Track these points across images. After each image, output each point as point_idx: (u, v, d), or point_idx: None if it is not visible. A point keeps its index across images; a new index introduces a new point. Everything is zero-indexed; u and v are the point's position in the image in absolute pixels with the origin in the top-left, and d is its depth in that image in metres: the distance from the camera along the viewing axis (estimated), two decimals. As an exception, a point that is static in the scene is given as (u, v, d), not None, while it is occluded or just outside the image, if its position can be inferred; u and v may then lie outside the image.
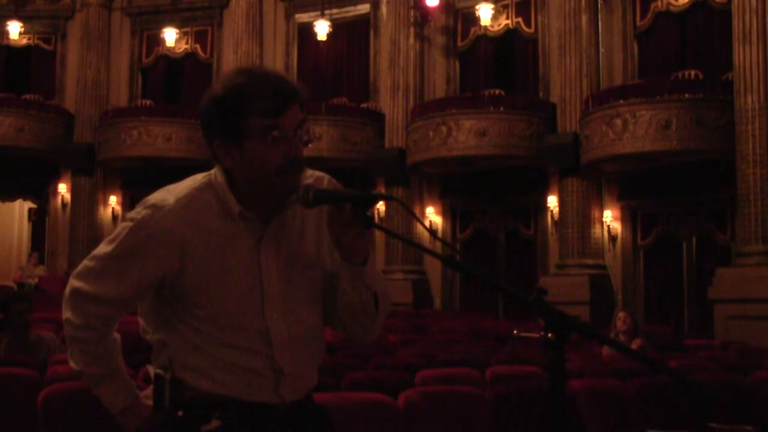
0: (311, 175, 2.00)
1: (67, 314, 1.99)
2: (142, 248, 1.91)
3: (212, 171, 1.99)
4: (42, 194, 19.37)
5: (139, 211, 1.93)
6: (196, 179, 1.99)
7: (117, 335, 2.06)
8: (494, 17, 15.91)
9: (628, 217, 14.63)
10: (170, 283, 1.94)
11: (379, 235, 19.04)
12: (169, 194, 1.95)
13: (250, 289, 1.93)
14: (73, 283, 1.98)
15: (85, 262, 1.98)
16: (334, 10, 17.55)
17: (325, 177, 2.02)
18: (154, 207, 1.92)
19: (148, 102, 18.88)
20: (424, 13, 16.31)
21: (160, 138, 17.21)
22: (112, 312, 1.99)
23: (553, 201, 15.04)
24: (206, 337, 1.95)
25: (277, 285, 1.95)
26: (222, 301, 1.92)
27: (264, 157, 1.87)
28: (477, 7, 15.71)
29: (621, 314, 8.00)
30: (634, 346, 7.55)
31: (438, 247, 13.43)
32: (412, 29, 16.34)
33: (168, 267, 1.91)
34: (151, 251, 1.90)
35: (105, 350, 2.02)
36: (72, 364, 2.03)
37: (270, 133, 1.86)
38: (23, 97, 18.90)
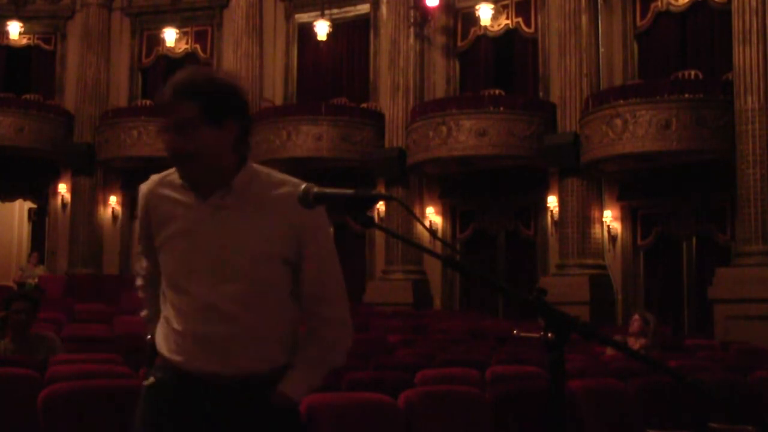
0: (287, 182, 2.19)
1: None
2: (139, 211, 2.30)
3: None
4: (42, 194, 19.35)
5: None
6: None
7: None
8: (494, 17, 15.90)
9: (628, 217, 14.63)
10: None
11: (379, 235, 19.01)
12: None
13: (186, 255, 2.17)
14: None
15: None
16: (334, 10, 17.54)
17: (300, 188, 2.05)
18: (148, 179, 2.30)
19: (148, 102, 18.87)
20: (424, 13, 16.30)
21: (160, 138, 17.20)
22: (148, 266, 2.36)
23: (553, 201, 15.04)
24: (165, 299, 2.23)
25: (208, 256, 2.15)
26: (168, 263, 2.21)
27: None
28: (477, 7, 15.71)
29: (635, 316, 8.05)
30: (637, 345, 7.56)
31: (438, 247, 13.43)
32: (412, 29, 16.33)
33: (147, 227, 2.27)
34: (140, 213, 2.29)
35: (150, 297, 2.36)
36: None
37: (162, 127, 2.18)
38: (23, 97, 18.89)
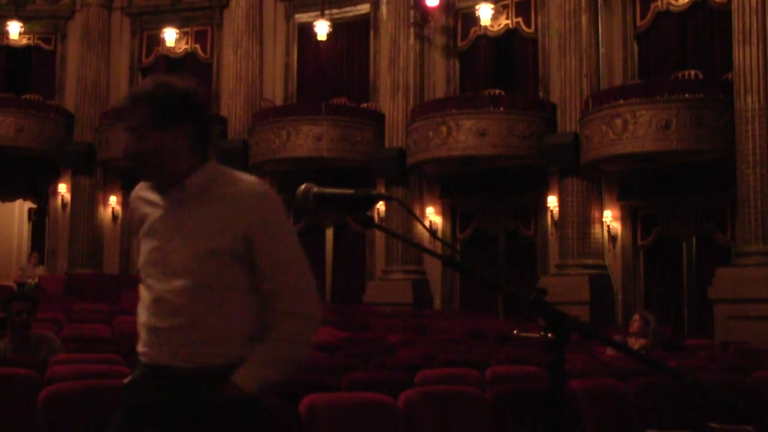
0: (244, 181, 2.29)
1: None
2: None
3: None
4: (42, 194, 19.36)
5: None
6: None
7: None
8: (494, 17, 15.90)
9: (628, 217, 14.63)
10: None
11: (379, 235, 18.93)
12: None
13: (147, 252, 2.33)
14: None
15: None
16: (334, 10, 17.55)
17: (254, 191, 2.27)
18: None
19: (148, 102, 18.84)
20: (424, 13, 16.30)
21: (161, 138, 17.14)
22: None
23: (553, 201, 15.04)
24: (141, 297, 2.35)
25: (161, 252, 2.29)
26: (140, 259, 2.37)
27: None
28: (477, 7, 15.70)
29: (636, 316, 8.06)
30: (636, 345, 7.57)
31: (438, 247, 13.43)
32: (412, 29, 16.33)
33: (135, 229, 2.42)
34: (129, 217, 2.52)
35: None
36: None
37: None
38: (23, 97, 18.90)
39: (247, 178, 2.31)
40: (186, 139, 2.28)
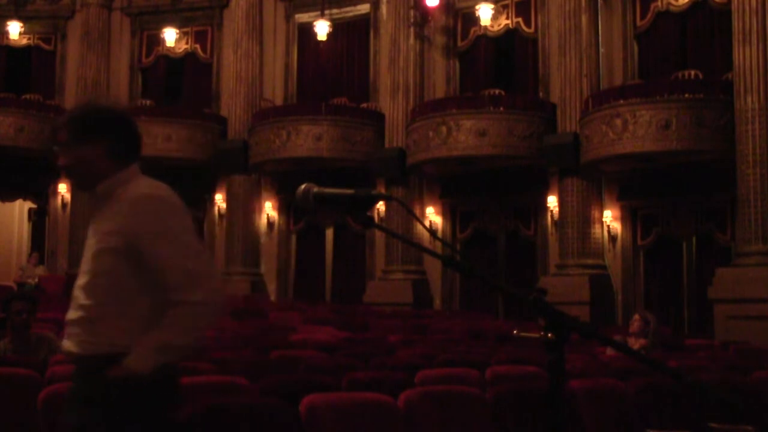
0: (139, 186, 2.52)
1: None
2: None
3: None
4: (42, 194, 19.34)
5: None
6: None
7: None
8: (494, 17, 15.90)
9: (628, 217, 14.62)
10: None
11: (379, 235, 18.91)
12: None
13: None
14: None
15: None
16: (334, 10, 17.55)
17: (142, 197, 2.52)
18: None
19: (148, 102, 18.87)
20: (424, 13, 16.30)
21: (161, 138, 17.18)
22: None
23: (553, 201, 15.03)
24: None
25: (85, 250, 2.58)
26: None
27: None
28: (477, 7, 15.70)
29: (636, 315, 8.06)
30: (636, 345, 7.57)
31: (438, 247, 13.43)
32: (412, 29, 16.33)
33: None
34: None
35: None
36: None
37: None
38: (23, 97, 18.88)
39: (143, 182, 2.56)
40: (103, 151, 2.56)
